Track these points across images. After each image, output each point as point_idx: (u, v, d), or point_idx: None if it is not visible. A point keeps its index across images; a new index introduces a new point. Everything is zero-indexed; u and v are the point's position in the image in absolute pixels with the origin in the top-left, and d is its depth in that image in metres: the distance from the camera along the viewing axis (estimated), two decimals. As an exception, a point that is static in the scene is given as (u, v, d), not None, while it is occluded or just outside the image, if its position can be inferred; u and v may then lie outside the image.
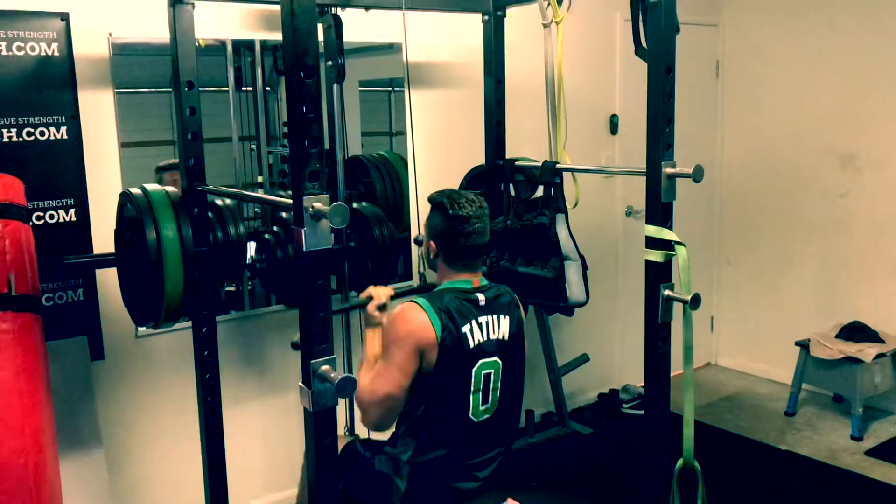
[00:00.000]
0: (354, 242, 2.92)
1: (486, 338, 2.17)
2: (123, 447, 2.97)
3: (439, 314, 2.11)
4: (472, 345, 2.14)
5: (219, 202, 2.61)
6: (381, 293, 2.33)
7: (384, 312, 2.31)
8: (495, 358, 2.19)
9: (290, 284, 2.65)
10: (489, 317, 2.18)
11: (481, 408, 2.18)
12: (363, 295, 2.35)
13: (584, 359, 4.08)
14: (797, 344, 4.16)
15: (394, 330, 2.14)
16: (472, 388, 2.15)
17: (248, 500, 3.28)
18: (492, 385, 2.19)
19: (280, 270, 2.69)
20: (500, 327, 2.21)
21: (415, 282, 3.14)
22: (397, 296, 2.38)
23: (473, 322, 2.15)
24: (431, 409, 2.15)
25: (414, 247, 2.96)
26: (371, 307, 2.32)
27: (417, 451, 2.18)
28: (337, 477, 1.86)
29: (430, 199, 2.26)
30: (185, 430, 2.96)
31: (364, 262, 2.93)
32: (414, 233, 3.17)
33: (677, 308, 2.35)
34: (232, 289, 3.30)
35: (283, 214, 2.74)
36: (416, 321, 2.11)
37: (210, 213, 2.54)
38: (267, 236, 2.73)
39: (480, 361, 2.16)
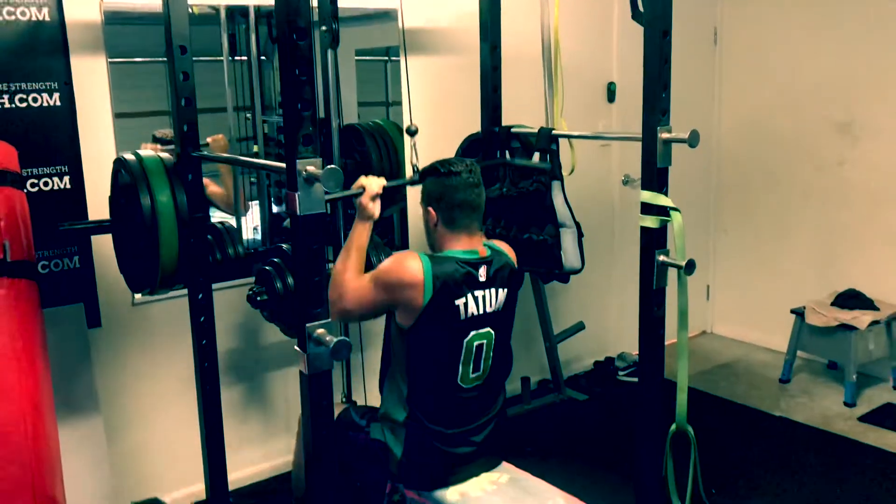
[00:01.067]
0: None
1: (481, 311, 2.17)
2: (122, 413, 2.99)
3: (434, 280, 2.11)
4: (463, 317, 2.14)
5: (217, 224, 2.63)
6: (373, 184, 2.25)
7: (376, 203, 2.26)
8: (488, 329, 2.20)
9: (293, 316, 2.66)
10: (487, 290, 2.19)
11: (471, 375, 2.20)
12: (355, 186, 2.28)
13: (579, 326, 4.10)
14: (792, 311, 4.18)
15: (386, 267, 2.14)
16: (463, 358, 2.17)
17: (247, 466, 3.31)
18: (484, 355, 2.21)
19: (281, 301, 2.70)
20: (497, 299, 2.21)
21: (408, 173, 3.08)
22: (389, 189, 2.30)
23: (469, 296, 2.15)
24: (418, 373, 2.17)
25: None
26: (365, 199, 2.25)
27: (411, 416, 2.20)
28: (332, 440, 1.87)
29: (421, 171, 2.28)
30: (182, 396, 2.98)
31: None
32: (409, 172, 3.12)
33: (672, 275, 2.36)
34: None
35: (284, 246, 2.73)
36: (409, 272, 2.11)
37: (209, 236, 2.54)
38: (267, 267, 2.74)
39: (472, 332, 2.17)
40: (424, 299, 2.10)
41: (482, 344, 2.19)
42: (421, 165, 2.39)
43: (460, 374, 2.18)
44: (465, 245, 2.22)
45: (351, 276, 2.17)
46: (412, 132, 2.64)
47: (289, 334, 2.80)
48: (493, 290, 2.20)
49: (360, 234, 2.24)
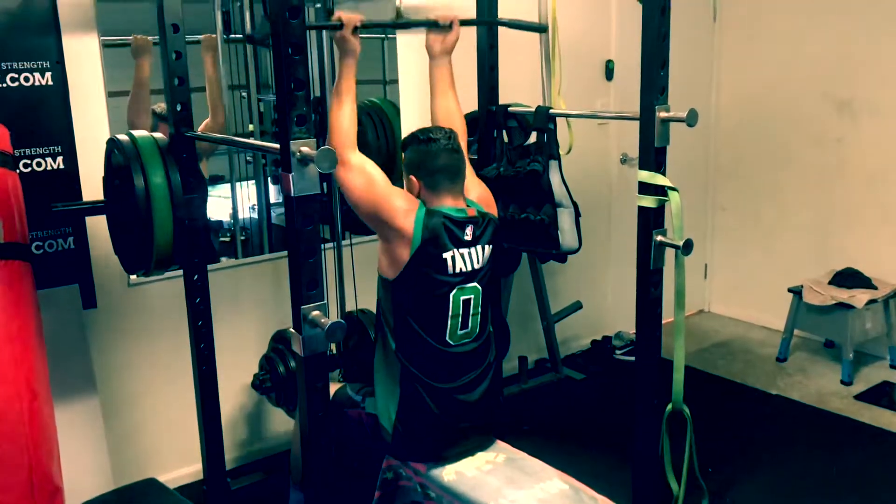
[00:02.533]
0: None
1: (469, 268, 2.18)
2: (118, 395, 2.99)
3: (424, 231, 2.12)
4: (450, 271, 2.15)
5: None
6: (352, 17, 2.20)
7: (357, 36, 2.22)
8: (475, 284, 2.20)
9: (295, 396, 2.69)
10: (473, 248, 2.19)
11: (460, 331, 2.20)
12: (333, 18, 2.22)
13: (577, 306, 4.10)
14: (790, 290, 4.18)
15: (386, 202, 2.14)
16: (451, 313, 2.17)
17: (244, 447, 3.32)
18: (472, 311, 2.21)
19: (284, 384, 2.75)
20: (483, 255, 2.22)
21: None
22: (368, 26, 2.25)
23: (456, 251, 2.16)
24: (406, 329, 2.17)
25: None
26: (346, 32, 2.20)
27: (403, 377, 2.20)
28: (328, 420, 1.88)
29: (402, 142, 2.30)
30: (179, 377, 2.98)
31: None
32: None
33: (670, 255, 2.35)
34: (226, 239, 3.30)
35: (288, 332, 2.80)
36: (402, 224, 2.12)
37: None
38: (271, 354, 2.81)
39: (458, 287, 2.17)
40: (411, 251, 2.11)
41: (469, 300, 2.20)
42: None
43: (448, 330, 2.18)
44: (451, 204, 2.21)
45: (350, 132, 2.19)
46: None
47: (291, 416, 2.87)
48: (478, 247, 2.20)
49: (348, 75, 2.23)
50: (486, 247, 2.23)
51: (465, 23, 2.61)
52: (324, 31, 2.93)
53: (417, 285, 2.14)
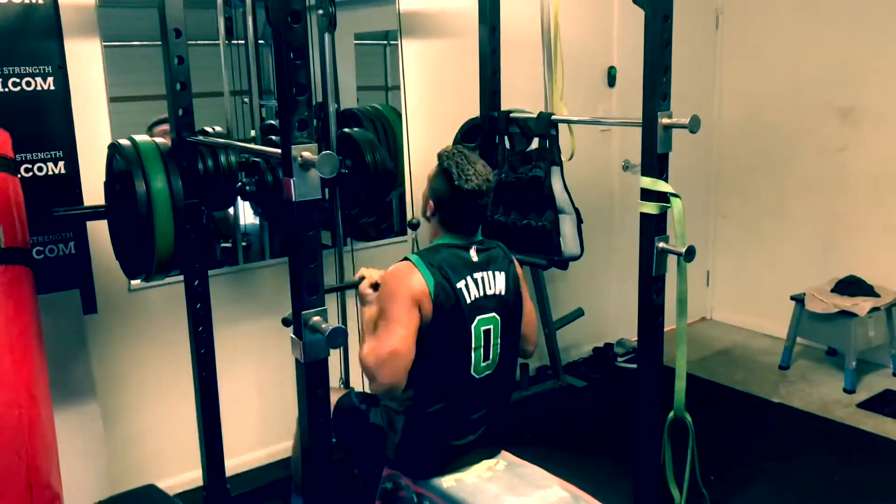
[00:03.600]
0: (347, 169, 2.88)
1: (482, 293, 2.16)
2: (118, 401, 2.98)
3: (431, 270, 2.10)
4: (468, 300, 2.13)
5: (209, 129, 2.59)
6: (372, 273, 2.31)
7: (377, 292, 2.26)
8: (493, 314, 2.18)
9: (280, 206, 2.61)
10: (484, 273, 2.17)
11: (482, 364, 2.18)
12: (356, 276, 2.35)
13: (578, 313, 4.09)
14: (792, 298, 4.16)
15: (387, 287, 2.13)
16: (473, 345, 2.15)
17: (244, 453, 3.31)
18: (492, 341, 2.19)
19: (270, 193, 2.65)
20: (496, 283, 2.19)
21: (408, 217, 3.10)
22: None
23: (468, 278, 2.14)
24: (431, 364, 2.14)
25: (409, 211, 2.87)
26: (364, 286, 2.30)
27: (415, 405, 2.18)
28: (329, 428, 1.87)
29: (440, 158, 2.20)
30: (179, 383, 2.97)
31: (357, 189, 2.90)
32: (407, 188, 3.15)
33: (672, 262, 2.34)
34: (227, 245, 3.29)
35: (273, 138, 2.71)
36: (409, 276, 2.10)
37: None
38: (256, 159, 2.69)
39: (479, 318, 2.15)
40: (432, 296, 2.09)
41: (489, 329, 2.17)
42: (417, 157, 2.37)
43: (473, 363, 2.16)
44: (458, 239, 2.20)
45: (377, 340, 2.11)
46: (414, 226, 2.72)
47: (274, 230, 2.81)
48: (489, 272, 2.18)
49: (370, 319, 2.22)
50: (499, 273, 2.20)
51: None
52: (325, 37, 2.93)
53: (441, 321, 2.11)
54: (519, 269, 2.31)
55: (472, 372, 2.17)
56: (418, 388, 2.16)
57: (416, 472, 2.22)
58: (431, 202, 2.21)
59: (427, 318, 2.10)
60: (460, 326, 2.13)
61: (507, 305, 2.22)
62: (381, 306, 2.13)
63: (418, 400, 2.17)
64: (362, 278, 2.33)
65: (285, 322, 1.88)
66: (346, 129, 2.97)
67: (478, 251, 2.19)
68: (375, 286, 2.30)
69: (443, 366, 2.15)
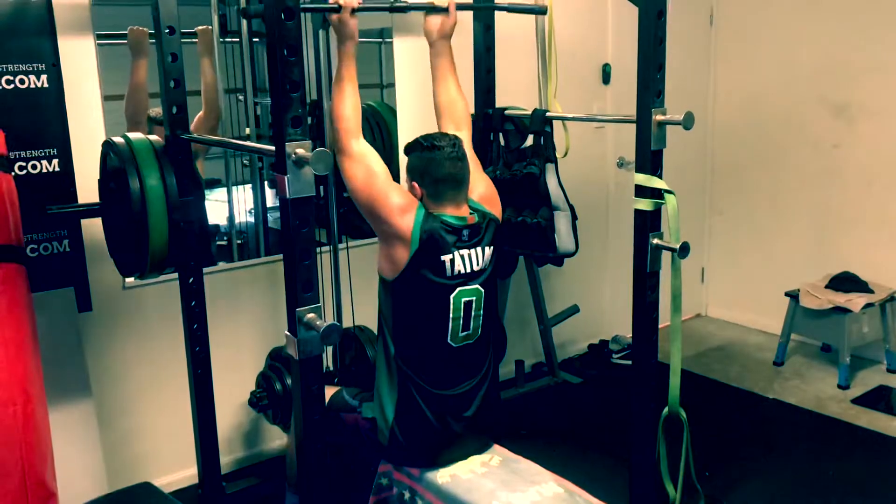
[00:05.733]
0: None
1: (468, 269, 2.17)
2: (113, 398, 2.98)
3: (421, 234, 2.10)
4: (449, 273, 2.13)
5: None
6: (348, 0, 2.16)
7: (355, 19, 2.18)
8: (476, 286, 2.19)
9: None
10: (473, 249, 2.18)
11: (461, 333, 2.19)
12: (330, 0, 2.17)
13: (574, 310, 4.10)
14: (787, 294, 4.17)
15: (384, 202, 2.12)
16: (452, 315, 2.16)
17: (239, 451, 3.31)
18: (473, 313, 2.20)
19: (280, 402, 2.77)
20: (484, 257, 2.20)
21: None
22: (364, 9, 2.21)
23: (455, 253, 2.14)
24: (406, 331, 2.17)
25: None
26: (344, 14, 2.16)
27: (401, 382, 2.19)
28: (324, 424, 1.87)
29: (405, 147, 2.26)
30: (174, 380, 2.97)
31: None
32: (403, 181, 3.10)
33: (666, 258, 2.35)
34: (223, 242, 3.29)
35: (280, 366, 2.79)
36: (401, 225, 2.10)
37: None
38: (268, 372, 2.82)
39: (459, 289, 2.16)
40: (410, 253, 2.10)
41: (470, 301, 2.18)
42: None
43: (450, 332, 2.17)
44: (452, 212, 2.19)
45: (353, 120, 2.16)
46: None
47: (288, 433, 2.85)
48: (479, 248, 2.19)
49: (348, 61, 2.19)
50: (487, 248, 2.21)
51: (461, 7, 2.59)
52: (319, 34, 2.92)
53: (417, 286, 2.13)
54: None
55: (450, 340, 2.18)
56: (400, 355, 2.18)
57: (411, 459, 2.22)
58: (414, 183, 2.21)
59: (399, 264, 2.11)
60: (438, 295, 2.14)
61: (489, 277, 2.23)
62: (379, 188, 2.14)
63: (403, 369, 2.18)
64: (339, 6, 2.14)
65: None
66: None
67: (471, 234, 2.18)
68: (353, 13, 2.18)
69: (420, 331, 2.17)
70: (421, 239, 2.10)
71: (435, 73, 2.53)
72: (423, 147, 2.19)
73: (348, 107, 2.17)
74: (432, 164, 2.16)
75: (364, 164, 2.15)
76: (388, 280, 2.16)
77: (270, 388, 2.75)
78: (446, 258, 2.12)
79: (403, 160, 3.38)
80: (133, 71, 2.85)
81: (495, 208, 2.31)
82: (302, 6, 1.73)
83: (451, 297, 2.15)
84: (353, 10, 2.18)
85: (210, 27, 3.01)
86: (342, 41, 2.20)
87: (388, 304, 2.19)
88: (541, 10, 3.00)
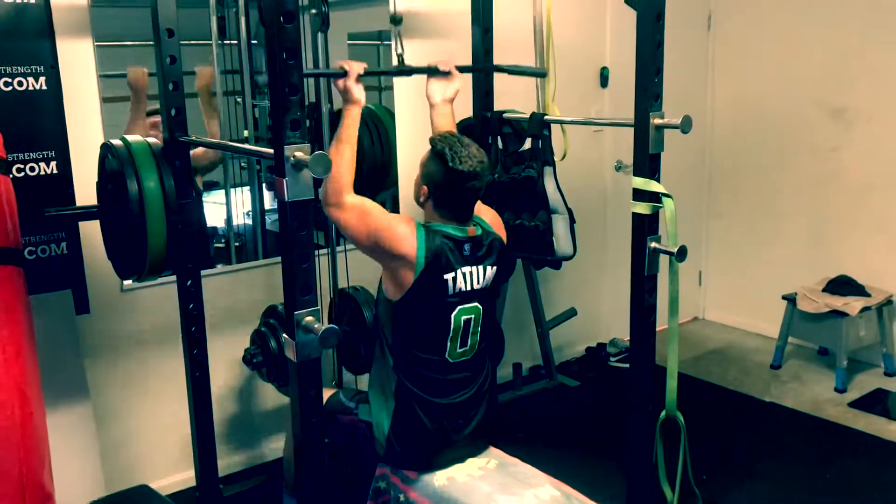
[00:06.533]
0: None
1: (469, 287, 2.17)
2: (110, 401, 2.98)
3: (427, 253, 2.10)
4: (451, 291, 2.14)
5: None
6: (354, 66, 2.20)
7: (360, 85, 2.21)
8: (475, 304, 2.19)
9: (285, 376, 2.65)
10: (474, 267, 2.18)
11: (458, 350, 2.20)
12: (335, 66, 2.22)
13: (571, 313, 4.10)
14: (784, 298, 4.18)
15: (385, 232, 2.10)
16: (451, 333, 2.16)
17: (237, 453, 3.30)
18: (472, 330, 2.21)
19: (276, 361, 2.72)
20: (485, 275, 2.20)
21: (394, 61, 3.09)
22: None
23: (458, 271, 2.14)
24: (405, 348, 2.17)
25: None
26: (349, 81, 2.19)
27: (398, 391, 2.19)
28: (322, 427, 1.87)
29: (432, 143, 2.19)
30: (172, 383, 2.96)
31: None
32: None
33: (664, 261, 2.35)
34: (220, 245, 3.29)
35: (278, 307, 2.74)
36: (404, 248, 2.09)
37: None
38: (263, 328, 2.76)
39: (459, 307, 2.16)
40: (416, 273, 2.09)
41: (469, 319, 2.19)
42: (410, 157, 2.36)
43: (448, 349, 2.18)
44: (454, 223, 2.20)
45: (347, 178, 2.12)
46: (397, 20, 2.57)
47: (283, 392, 2.83)
48: (481, 266, 2.19)
49: (350, 125, 2.18)
50: (490, 267, 2.21)
51: (463, 69, 2.59)
52: (318, 36, 2.92)
53: (421, 306, 2.13)
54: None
55: (447, 356, 2.18)
56: (399, 368, 2.18)
57: (406, 462, 2.22)
58: (425, 187, 2.19)
59: (404, 285, 2.10)
60: (440, 315, 2.14)
61: (491, 294, 2.24)
62: (378, 221, 2.12)
63: (402, 381, 2.18)
64: (345, 71, 2.19)
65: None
66: None
67: (473, 248, 2.19)
68: (358, 78, 2.22)
69: (418, 347, 2.16)
70: (427, 260, 2.09)
71: (435, 130, 2.50)
72: (449, 168, 2.11)
73: (344, 170, 2.13)
74: (451, 183, 2.14)
75: (357, 210, 2.13)
76: (393, 301, 2.15)
77: (265, 345, 2.69)
78: (449, 276, 2.12)
79: (402, 162, 3.42)
80: (131, 115, 2.87)
81: (500, 232, 2.32)
82: (306, 73, 1.75)
83: (452, 315, 2.15)
84: (359, 76, 2.20)
85: (210, 67, 3.04)
86: (347, 104, 2.22)
87: (388, 321, 2.19)
88: (541, 73, 3.02)
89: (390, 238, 2.10)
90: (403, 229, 2.12)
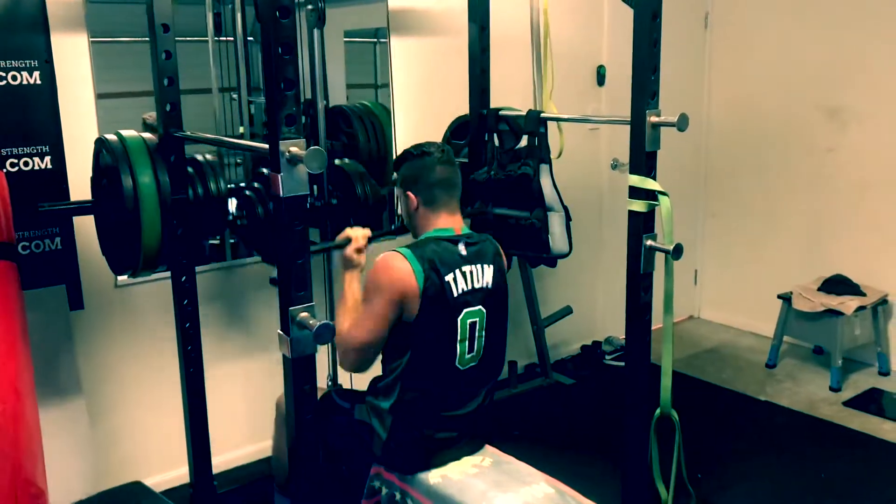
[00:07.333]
0: (337, 199, 2.88)
1: (469, 287, 2.16)
2: (104, 397, 2.97)
3: (422, 263, 2.10)
4: (455, 294, 2.13)
5: (199, 157, 2.56)
6: (358, 235, 2.33)
7: (362, 254, 2.33)
8: (479, 307, 2.19)
9: (271, 241, 2.60)
10: (472, 266, 2.18)
11: (467, 356, 2.19)
12: (340, 237, 2.36)
13: (567, 311, 4.10)
14: (779, 297, 4.18)
15: (376, 278, 2.13)
16: (459, 337, 2.16)
17: (230, 449, 3.30)
18: (477, 333, 2.20)
19: (261, 227, 2.63)
20: (484, 276, 2.20)
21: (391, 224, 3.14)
22: (374, 238, 2.38)
23: (457, 271, 2.14)
24: (417, 357, 2.15)
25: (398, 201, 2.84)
26: (350, 250, 2.32)
27: (400, 399, 2.18)
28: (316, 424, 1.86)
29: (395, 162, 2.30)
30: (166, 379, 2.95)
31: (347, 219, 2.90)
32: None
33: (660, 260, 2.35)
34: (215, 242, 3.28)
35: (265, 170, 2.67)
36: (399, 270, 2.10)
37: (190, 168, 2.48)
38: (248, 192, 2.67)
39: (465, 310, 2.16)
40: (420, 293, 2.09)
41: (475, 322, 2.19)
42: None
43: (458, 355, 2.17)
44: (445, 223, 2.22)
45: (355, 325, 2.17)
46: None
47: (267, 261, 2.78)
48: (478, 265, 2.19)
49: (351, 286, 2.28)
50: (487, 267, 2.21)
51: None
52: (314, 32, 2.91)
53: (431, 315, 2.12)
54: (506, 263, 2.33)
55: (457, 364, 2.18)
56: (405, 383, 2.17)
57: (403, 466, 2.22)
58: (409, 193, 2.24)
59: (413, 313, 2.11)
60: (447, 319, 2.14)
61: (494, 298, 2.23)
62: (366, 293, 2.15)
63: (404, 394, 2.17)
64: (348, 240, 2.33)
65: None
66: (337, 161, 2.95)
67: (467, 245, 2.19)
68: (360, 250, 2.33)
69: (429, 358, 2.16)
70: (425, 273, 2.10)
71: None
72: (414, 156, 2.24)
73: (347, 323, 2.19)
74: (424, 170, 2.21)
75: (366, 328, 2.14)
76: (409, 321, 2.13)
77: (251, 209, 2.58)
78: (449, 278, 2.12)
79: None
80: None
81: (496, 244, 2.32)
82: (313, 250, 1.85)
83: (459, 319, 2.15)
84: (360, 249, 2.32)
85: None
86: (348, 271, 2.31)
87: (403, 339, 2.16)
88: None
89: (390, 280, 2.09)
90: (393, 265, 2.11)
